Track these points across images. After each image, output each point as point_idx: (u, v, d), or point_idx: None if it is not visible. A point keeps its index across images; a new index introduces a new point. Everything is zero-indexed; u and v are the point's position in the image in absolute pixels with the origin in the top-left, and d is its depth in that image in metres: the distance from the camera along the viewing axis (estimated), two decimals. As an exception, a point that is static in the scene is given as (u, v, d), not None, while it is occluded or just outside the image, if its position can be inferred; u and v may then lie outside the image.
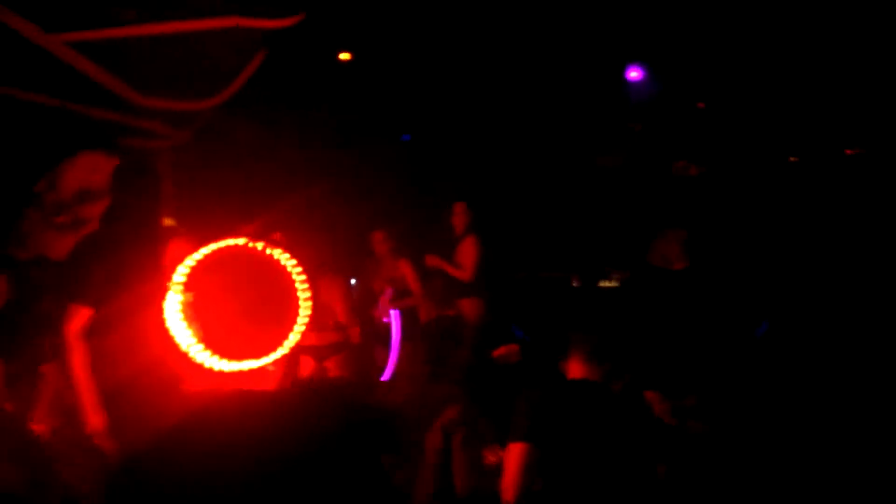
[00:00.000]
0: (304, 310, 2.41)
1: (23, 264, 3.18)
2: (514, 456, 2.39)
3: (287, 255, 2.36)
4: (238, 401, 1.62)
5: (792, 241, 5.67)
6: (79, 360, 2.45)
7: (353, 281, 5.40)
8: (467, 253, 4.95)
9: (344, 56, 5.49)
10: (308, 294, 2.43)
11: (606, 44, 6.27)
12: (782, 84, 6.05)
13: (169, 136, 4.14)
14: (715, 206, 6.16)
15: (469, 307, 4.76)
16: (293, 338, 2.38)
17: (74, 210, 3.18)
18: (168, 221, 3.44)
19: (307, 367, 4.76)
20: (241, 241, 2.26)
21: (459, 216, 5.09)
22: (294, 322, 2.39)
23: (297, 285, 2.41)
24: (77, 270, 2.57)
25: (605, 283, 6.80)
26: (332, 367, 4.86)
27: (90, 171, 3.25)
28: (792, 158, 6.82)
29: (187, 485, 1.42)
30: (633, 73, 6.91)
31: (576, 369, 2.61)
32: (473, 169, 6.71)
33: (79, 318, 2.46)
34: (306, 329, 4.74)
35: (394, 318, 4.92)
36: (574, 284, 7.20)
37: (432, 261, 5.02)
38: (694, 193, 6.62)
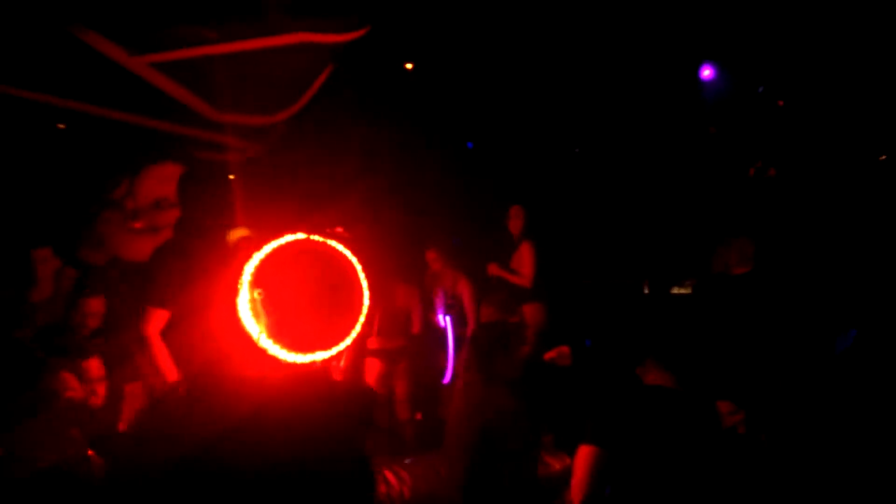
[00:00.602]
0: (367, 300, 2.49)
1: (100, 269, 3.44)
2: (582, 458, 2.39)
3: (345, 247, 2.44)
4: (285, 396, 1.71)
5: (883, 246, 5.31)
6: (161, 355, 2.70)
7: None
8: (525, 258, 4.92)
9: (408, 65, 5.59)
10: (368, 285, 2.51)
11: (678, 42, 6.09)
12: (869, 76, 5.70)
13: (244, 149, 4.35)
14: (795, 208, 5.87)
15: (531, 312, 4.73)
16: (357, 329, 2.46)
17: (150, 216, 3.41)
18: (242, 232, 3.62)
19: (374, 369, 4.88)
20: (301, 235, 2.36)
21: (515, 220, 5.06)
22: (358, 313, 2.47)
23: (359, 276, 2.49)
24: (152, 275, 2.80)
25: (677, 290, 6.59)
26: (400, 371, 4.97)
27: (166, 180, 3.49)
28: (882, 157, 6.40)
29: (246, 472, 1.53)
30: (707, 72, 6.69)
31: (652, 375, 2.59)
32: (543, 174, 6.67)
33: (157, 319, 2.71)
34: (377, 333, 4.91)
35: (448, 324, 4.98)
36: (645, 291, 7.02)
37: (493, 270, 5.02)
38: (773, 196, 6.32)
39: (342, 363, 3.98)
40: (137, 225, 3.41)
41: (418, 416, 4.93)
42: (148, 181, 3.68)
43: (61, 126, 3.59)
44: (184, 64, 3.46)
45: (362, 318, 2.42)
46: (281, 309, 2.33)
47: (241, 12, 3.39)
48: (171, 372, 2.76)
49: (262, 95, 3.95)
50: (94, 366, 3.34)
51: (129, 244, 3.38)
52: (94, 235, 3.50)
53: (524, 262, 4.90)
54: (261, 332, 2.32)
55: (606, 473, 2.35)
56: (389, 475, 3.73)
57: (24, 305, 3.80)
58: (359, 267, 2.41)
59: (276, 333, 2.31)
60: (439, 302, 5.08)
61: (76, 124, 3.57)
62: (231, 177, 4.24)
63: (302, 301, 2.36)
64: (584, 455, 2.38)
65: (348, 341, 2.35)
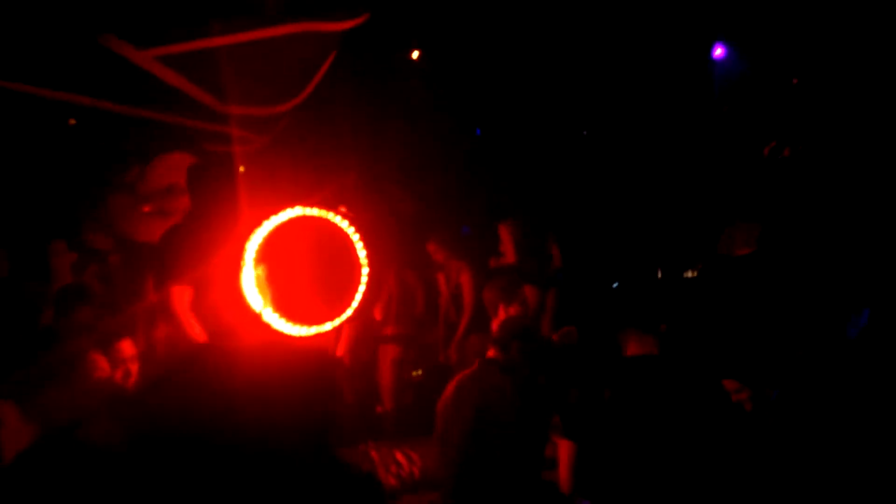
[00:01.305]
0: (364, 274, 2.59)
1: (101, 253, 3.55)
2: (562, 452, 2.48)
3: (344, 220, 2.52)
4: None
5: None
6: (192, 328, 2.87)
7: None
8: (503, 240, 5.06)
9: (415, 55, 5.61)
10: (367, 259, 2.60)
11: (690, 21, 6.01)
12: (887, 53, 5.56)
13: (251, 139, 4.41)
14: (811, 189, 5.77)
15: (530, 294, 4.78)
16: (356, 303, 2.55)
17: (160, 201, 3.51)
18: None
19: (388, 353, 4.97)
20: (299, 210, 2.45)
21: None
22: (357, 285, 2.57)
23: (357, 249, 2.57)
24: (167, 254, 2.95)
25: (690, 274, 6.54)
26: (414, 356, 5.07)
27: (176, 168, 3.59)
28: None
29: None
30: (719, 51, 6.60)
31: (631, 342, 2.54)
32: (553, 160, 6.65)
33: (183, 296, 2.88)
34: (392, 319, 5.00)
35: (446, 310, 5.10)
36: (658, 275, 6.97)
37: (492, 263, 5.15)
38: (787, 177, 6.22)
39: (340, 349, 4.06)
40: (147, 208, 3.51)
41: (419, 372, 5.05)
42: (159, 168, 3.79)
43: (72, 122, 3.69)
44: (187, 56, 3.53)
45: (361, 291, 2.50)
46: (283, 284, 2.43)
47: (241, 3, 3.45)
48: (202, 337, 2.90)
49: (266, 86, 4.00)
50: (126, 346, 3.47)
51: (139, 226, 3.49)
52: (102, 218, 3.60)
53: (503, 242, 5.06)
54: (265, 307, 2.42)
55: (586, 463, 2.41)
56: (399, 456, 3.80)
57: (46, 297, 3.93)
58: (356, 239, 2.48)
59: (280, 307, 2.42)
60: (442, 290, 5.17)
61: (86, 119, 3.66)
62: (241, 168, 4.32)
63: (303, 275, 2.46)
64: (563, 449, 2.47)
65: (349, 313, 2.44)
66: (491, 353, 3.17)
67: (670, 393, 2.43)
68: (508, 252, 5.07)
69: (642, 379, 2.45)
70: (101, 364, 3.35)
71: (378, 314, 4.89)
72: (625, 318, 2.56)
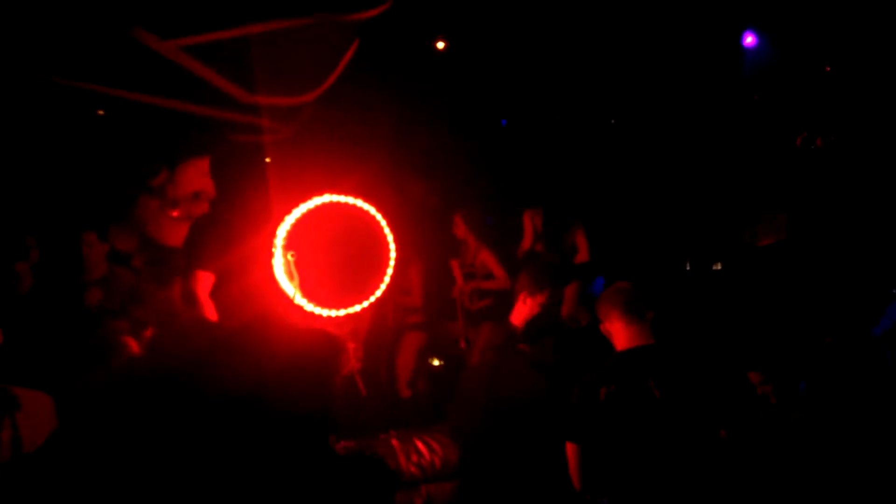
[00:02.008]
0: (392, 257, 2.67)
1: (125, 253, 3.67)
2: (569, 453, 2.48)
3: (371, 206, 2.59)
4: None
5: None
6: (210, 314, 3.02)
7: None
8: (525, 226, 5.15)
9: (440, 45, 5.59)
10: (394, 241, 2.68)
11: (719, 8, 5.89)
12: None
13: (276, 130, 4.44)
14: (844, 180, 5.64)
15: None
16: (383, 286, 2.64)
17: (187, 206, 3.60)
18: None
19: (413, 341, 5.00)
20: (328, 197, 2.52)
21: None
22: (386, 267, 2.65)
23: (386, 236, 2.64)
24: (197, 244, 3.09)
25: (718, 266, 6.44)
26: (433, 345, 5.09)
27: (205, 174, 3.68)
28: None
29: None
30: (750, 39, 6.46)
31: (619, 333, 2.47)
32: (584, 151, 6.60)
33: (204, 281, 3.02)
34: (420, 308, 5.00)
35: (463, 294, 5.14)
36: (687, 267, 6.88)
37: (520, 253, 5.14)
38: (820, 167, 6.07)
39: (360, 333, 4.10)
40: (175, 213, 3.58)
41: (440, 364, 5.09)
42: (188, 173, 3.85)
43: (100, 112, 3.77)
44: (211, 47, 3.57)
45: (388, 275, 2.55)
46: (313, 268, 2.51)
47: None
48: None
49: (289, 75, 4.02)
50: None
51: (166, 230, 3.57)
52: (131, 219, 3.70)
53: (525, 231, 5.11)
54: (296, 292, 2.49)
55: (591, 462, 2.41)
56: (420, 445, 3.80)
57: (79, 285, 4.04)
58: (385, 225, 2.54)
59: (310, 291, 2.49)
60: (456, 272, 5.15)
61: (113, 109, 3.74)
62: (267, 160, 4.36)
63: (331, 260, 2.52)
64: (568, 450, 2.48)
65: (378, 293, 2.51)
66: (520, 345, 3.17)
67: (669, 385, 2.37)
68: (526, 239, 5.09)
69: (640, 371, 2.40)
70: (132, 347, 3.48)
71: (414, 300, 4.93)
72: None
